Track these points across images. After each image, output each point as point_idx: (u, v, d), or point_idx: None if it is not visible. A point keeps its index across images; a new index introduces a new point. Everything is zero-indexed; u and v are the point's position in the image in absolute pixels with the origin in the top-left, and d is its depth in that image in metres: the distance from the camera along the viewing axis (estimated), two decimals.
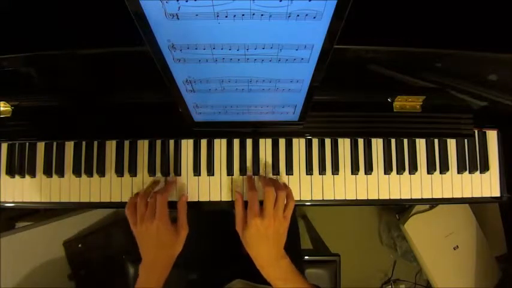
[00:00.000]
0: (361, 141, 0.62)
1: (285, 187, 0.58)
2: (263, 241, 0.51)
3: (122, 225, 1.15)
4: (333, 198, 0.61)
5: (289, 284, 0.50)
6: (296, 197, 0.60)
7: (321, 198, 0.61)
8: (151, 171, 0.61)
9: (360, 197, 0.61)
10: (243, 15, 0.28)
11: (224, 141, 0.61)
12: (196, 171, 0.61)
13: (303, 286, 0.51)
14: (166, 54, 0.34)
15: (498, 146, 0.63)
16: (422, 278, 1.37)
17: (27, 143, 0.62)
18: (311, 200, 0.61)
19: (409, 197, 0.61)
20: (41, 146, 0.62)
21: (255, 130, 0.59)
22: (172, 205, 0.57)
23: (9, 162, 0.61)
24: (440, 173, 0.62)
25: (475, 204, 1.23)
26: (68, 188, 0.61)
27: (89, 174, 0.61)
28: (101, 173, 0.61)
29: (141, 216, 0.52)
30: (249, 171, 0.61)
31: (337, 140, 0.61)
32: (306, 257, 0.84)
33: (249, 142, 0.61)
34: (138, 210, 0.53)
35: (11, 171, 0.61)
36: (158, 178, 0.61)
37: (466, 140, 0.62)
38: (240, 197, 0.55)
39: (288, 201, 0.54)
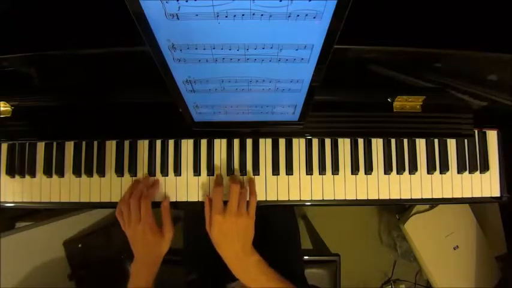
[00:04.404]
0: (361, 141, 0.62)
1: (250, 184, 0.58)
2: (227, 238, 0.51)
3: None
4: (333, 198, 0.61)
5: (259, 284, 0.49)
6: (296, 197, 0.60)
7: (321, 198, 0.61)
8: (151, 171, 0.61)
9: (360, 197, 0.61)
10: (243, 15, 0.28)
11: (224, 141, 0.61)
12: (196, 171, 0.60)
13: (277, 285, 0.50)
14: (166, 54, 0.34)
15: (498, 146, 0.63)
16: (422, 278, 1.37)
17: (27, 143, 0.62)
18: (311, 200, 0.61)
19: (409, 197, 0.61)
20: (41, 146, 0.62)
21: (255, 130, 0.60)
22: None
23: (9, 162, 0.61)
24: (440, 173, 0.62)
25: (475, 204, 1.23)
26: (68, 188, 0.61)
27: (89, 174, 0.61)
28: (101, 173, 0.61)
29: (128, 219, 0.55)
30: (249, 174, 0.61)
31: (337, 140, 0.61)
32: (306, 257, 0.84)
33: (249, 142, 0.61)
34: (124, 215, 0.55)
35: (11, 171, 0.61)
36: (137, 179, 0.61)
37: (466, 140, 0.62)
38: (208, 200, 0.56)
39: (250, 199, 0.55)
